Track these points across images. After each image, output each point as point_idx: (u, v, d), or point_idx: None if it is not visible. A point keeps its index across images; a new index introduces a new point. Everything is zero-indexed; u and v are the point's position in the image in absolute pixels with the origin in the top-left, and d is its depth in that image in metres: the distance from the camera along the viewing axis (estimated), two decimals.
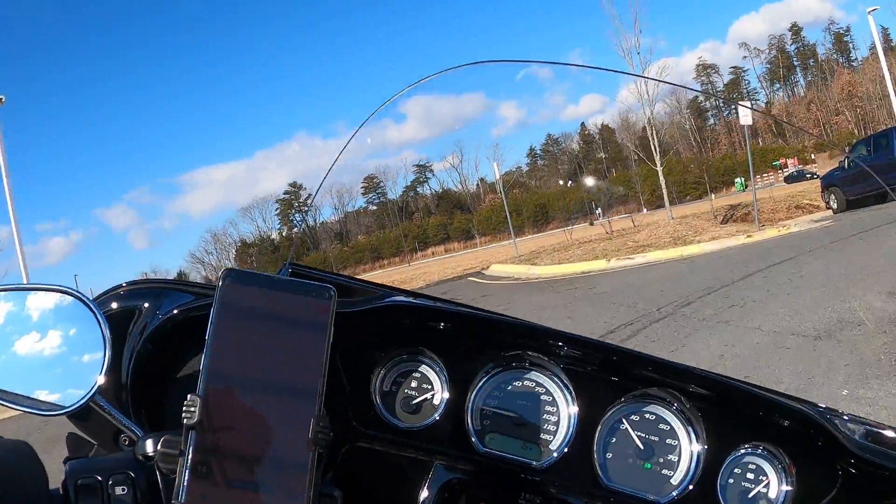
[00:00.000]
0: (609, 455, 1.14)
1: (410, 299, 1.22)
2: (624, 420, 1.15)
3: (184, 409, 0.82)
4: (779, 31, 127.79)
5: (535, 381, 1.18)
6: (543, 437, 1.15)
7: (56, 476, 0.92)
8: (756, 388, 1.13)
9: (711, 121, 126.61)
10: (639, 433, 1.14)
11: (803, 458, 1.12)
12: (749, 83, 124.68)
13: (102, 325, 1.00)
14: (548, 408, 1.16)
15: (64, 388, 1.01)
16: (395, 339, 1.20)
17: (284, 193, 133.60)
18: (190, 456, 0.81)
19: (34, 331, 1.05)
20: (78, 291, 1.03)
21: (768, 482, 1.12)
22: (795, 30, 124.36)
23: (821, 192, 27.89)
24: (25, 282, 1.11)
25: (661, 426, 1.14)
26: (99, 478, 0.89)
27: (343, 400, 1.16)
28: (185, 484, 0.80)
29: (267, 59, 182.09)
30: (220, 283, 0.87)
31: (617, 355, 1.15)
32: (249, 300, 0.87)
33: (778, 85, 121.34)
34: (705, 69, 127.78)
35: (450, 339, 1.20)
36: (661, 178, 34.65)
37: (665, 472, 1.12)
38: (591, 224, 54.58)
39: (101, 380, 0.98)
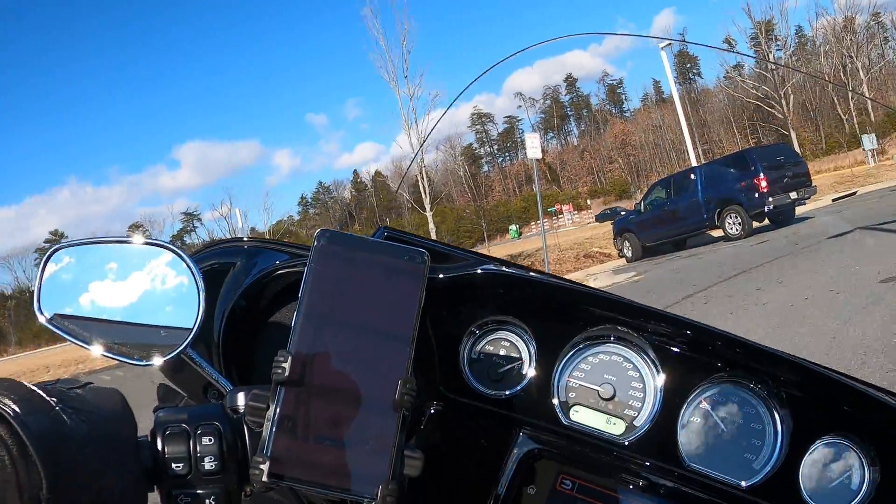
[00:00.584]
0: (692, 435, 1.15)
1: (503, 268, 1.24)
2: (709, 401, 1.16)
3: (274, 364, 0.84)
4: (553, 83, 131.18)
5: (623, 357, 1.19)
6: (628, 412, 1.17)
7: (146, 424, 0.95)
8: (844, 376, 1.14)
9: (486, 168, 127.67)
10: (723, 415, 1.15)
11: (887, 450, 1.12)
12: (522, 132, 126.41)
13: (198, 281, 1.06)
14: (634, 384, 1.18)
15: (158, 340, 1.07)
16: (486, 307, 1.22)
17: (45, 242, 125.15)
18: (277, 411, 0.83)
19: (133, 283, 1.10)
20: (177, 247, 1.09)
21: (850, 473, 1.11)
22: (570, 81, 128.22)
23: (613, 239, 26.50)
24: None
25: (746, 409, 1.15)
26: (187, 427, 0.90)
27: (431, 365, 1.19)
28: (271, 438, 0.82)
29: (39, 96, 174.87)
30: (316, 243, 0.90)
31: (707, 335, 1.16)
32: (343, 260, 0.90)
33: (552, 134, 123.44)
34: (480, 118, 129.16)
35: (540, 310, 1.22)
36: (431, 224, 31.72)
37: (747, 455, 1.13)
38: None
39: (194, 333, 1.04)
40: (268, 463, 0.81)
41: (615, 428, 1.16)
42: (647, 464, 1.15)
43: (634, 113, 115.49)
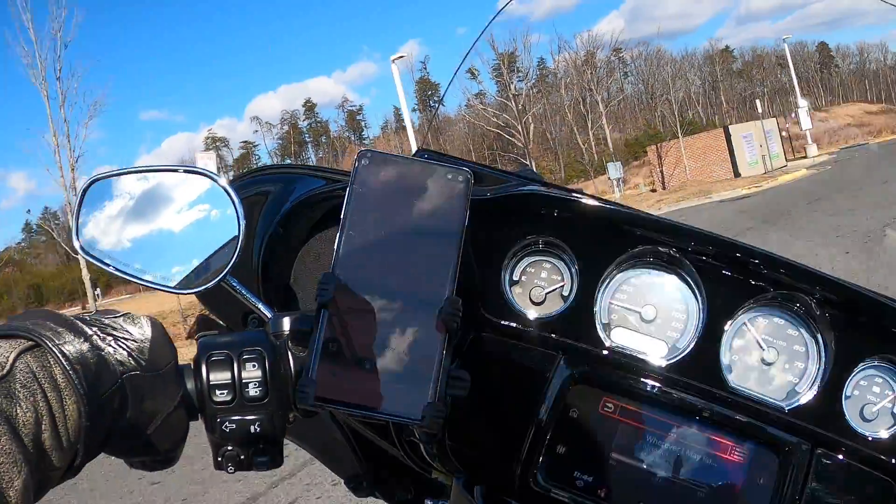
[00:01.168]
0: (735, 357, 1.15)
1: (545, 189, 1.23)
2: (752, 322, 1.15)
3: (318, 286, 0.86)
4: (293, 108, 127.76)
5: (666, 278, 1.18)
6: (671, 334, 1.16)
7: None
8: (891, 300, 1.13)
9: None
10: (766, 337, 1.14)
11: None
12: (259, 158, 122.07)
13: (238, 207, 1.05)
14: (677, 305, 1.17)
15: (198, 268, 1.08)
16: (528, 228, 1.20)
17: None
18: (322, 334, 0.84)
19: (171, 211, 1.10)
20: (215, 174, 1.08)
21: (894, 397, 1.11)
22: (309, 106, 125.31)
23: None
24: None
25: (790, 332, 1.15)
26: (230, 353, 0.90)
27: (473, 287, 1.17)
28: (316, 361, 0.84)
29: None
30: (357, 164, 0.91)
31: (751, 255, 1.15)
32: (385, 181, 0.91)
33: (289, 160, 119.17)
34: (214, 142, 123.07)
35: (583, 231, 1.20)
36: None
37: (791, 378, 1.13)
38: (84, 309, 43.50)
39: (234, 259, 1.04)
40: (313, 387, 0.81)
41: (657, 349, 1.14)
42: (690, 385, 1.13)
43: (374, 141, 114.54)
